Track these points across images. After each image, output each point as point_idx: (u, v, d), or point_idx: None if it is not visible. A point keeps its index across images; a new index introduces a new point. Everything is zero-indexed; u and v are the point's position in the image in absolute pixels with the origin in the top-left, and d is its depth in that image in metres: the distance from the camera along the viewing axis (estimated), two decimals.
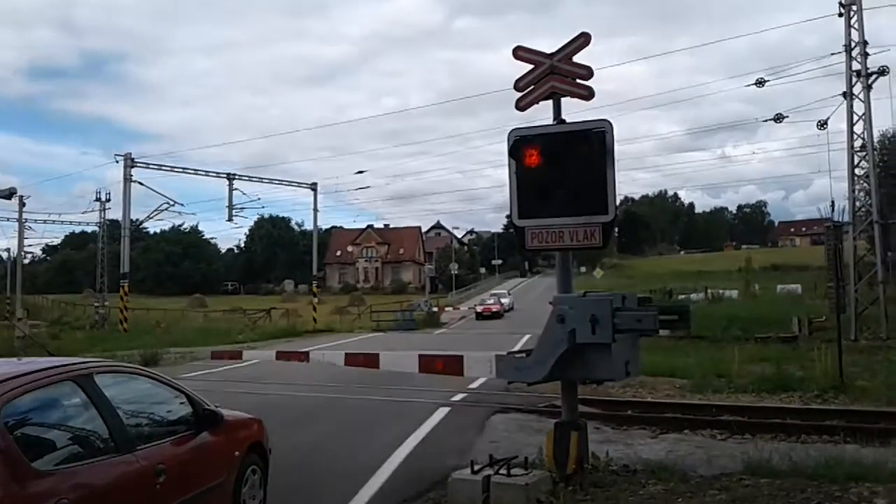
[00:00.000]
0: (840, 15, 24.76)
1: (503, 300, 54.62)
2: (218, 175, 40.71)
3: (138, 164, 37.63)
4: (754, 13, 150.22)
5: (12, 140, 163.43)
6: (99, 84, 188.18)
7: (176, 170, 40.22)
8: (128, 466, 4.34)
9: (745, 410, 10.93)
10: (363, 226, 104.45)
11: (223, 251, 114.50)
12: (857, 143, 25.11)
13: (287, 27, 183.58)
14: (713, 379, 14.12)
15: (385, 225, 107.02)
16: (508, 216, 8.24)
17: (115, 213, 49.63)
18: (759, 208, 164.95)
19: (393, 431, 9.86)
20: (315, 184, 44.72)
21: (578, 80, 7.30)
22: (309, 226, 62.68)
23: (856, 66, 24.65)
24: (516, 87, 7.55)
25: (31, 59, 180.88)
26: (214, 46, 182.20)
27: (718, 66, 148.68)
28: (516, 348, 12.02)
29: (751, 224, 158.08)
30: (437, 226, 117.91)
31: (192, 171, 41.22)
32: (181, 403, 5.38)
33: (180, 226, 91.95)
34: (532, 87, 7.46)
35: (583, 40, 7.29)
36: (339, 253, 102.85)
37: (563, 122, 7.35)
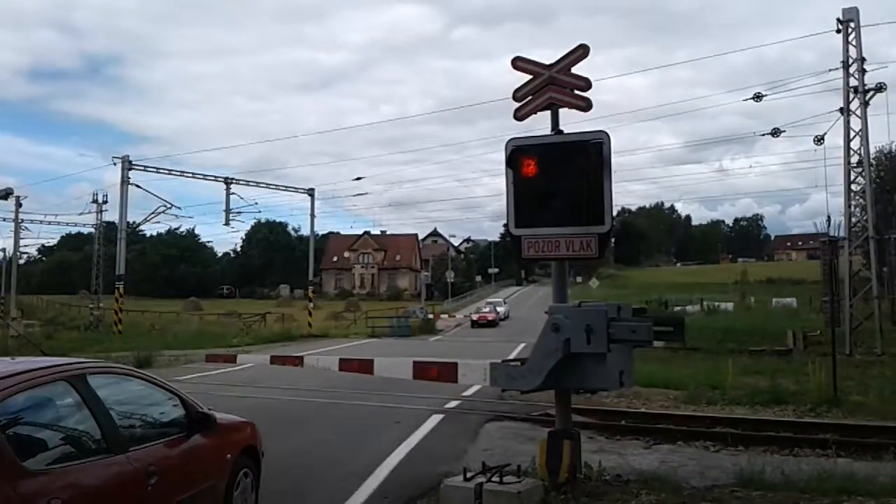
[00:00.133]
0: (838, 31, 24.89)
1: (499, 309, 54.60)
2: (215, 179, 40.66)
3: (136, 167, 37.54)
4: (753, 28, 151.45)
5: (9, 140, 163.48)
6: (98, 86, 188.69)
7: (173, 173, 40.16)
8: (120, 467, 4.33)
9: (739, 423, 10.93)
10: (360, 232, 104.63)
11: (219, 255, 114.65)
12: (854, 159, 25.21)
13: (286, 33, 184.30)
14: (707, 391, 14.12)
15: (382, 231, 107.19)
16: (505, 225, 8.27)
17: (111, 215, 49.61)
18: (755, 222, 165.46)
19: (386, 437, 9.85)
20: (312, 189, 44.71)
21: (576, 91, 7.33)
22: (306, 231, 62.64)
23: (853, 82, 24.77)
24: (514, 98, 7.57)
25: (31, 60, 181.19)
26: (214, 51, 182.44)
27: (717, 79, 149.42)
28: (511, 357, 12.04)
29: (747, 237, 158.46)
30: (434, 233, 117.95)
31: (189, 175, 41.20)
32: (174, 406, 5.37)
33: (177, 229, 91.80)
34: (530, 97, 7.49)
35: (581, 52, 7.32)
36: (335, 259, 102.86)
37: (561, 132, 7.37)
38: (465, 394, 14.21)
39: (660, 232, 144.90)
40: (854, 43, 24.69)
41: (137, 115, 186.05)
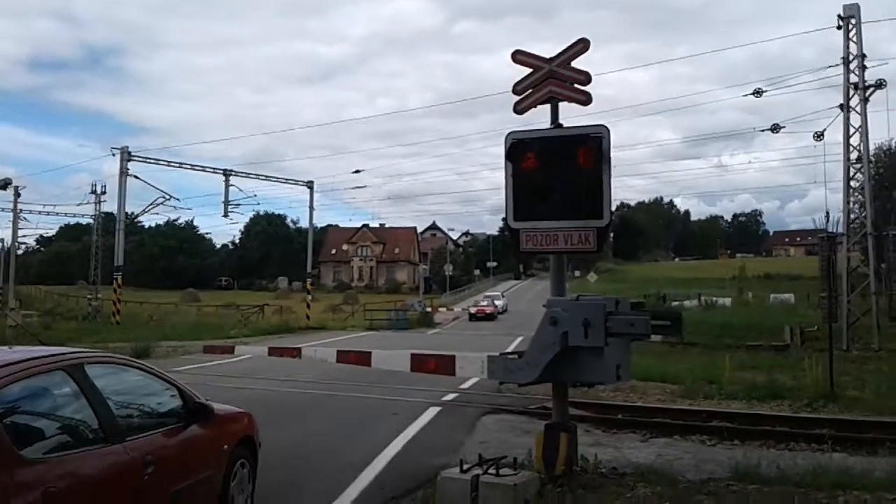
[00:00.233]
0: (839, 27, 24.90)
1: (497, 302, 54.64)
2: (214, 171, 40.59)
3: (135, 158, 37.48)
4: (754, 24, 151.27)
5: (9, 131, 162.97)
6: (98, 77, 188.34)
7: (172, 164, 40.18)
8: (116, 457, 4.33)
9: (735, 417, 10.94)
10: (359, 225, 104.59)
11: (218, 247, 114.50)
12: (853, 156, 25.25)
13: (287, 26, 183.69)
14: (704, 385, 14.14)
15: (381, 224, 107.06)
16: (504, 219, 8.27)
17: (110, 205, 49.69)
18: (754, 217, 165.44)
19: (383, 429, 9.87)
20: (311, 182, 44.68)
21: (576, 85, 7.34)
22: (304, 223, 62.49)
23: (853, 78, 24.79)
24: (515, 91, 7.58)
25: (31, 50, 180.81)
26: (214, 42, 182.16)
27: (717, 75, 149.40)
28: (509, 350, 12.06)
29: (745, 233, 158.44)
30: (433, 226, 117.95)
31: (188, 167, 41.19)
32: (172, 396, 5.37)
33: (175, 220, 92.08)
34: (530, 90, 7.49)
35: (581, 46, 7.33)
36: (334, 251, 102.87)
37: (561, 126, 7.38)
38: (463, 386, 14.23)
39: (658, 227, 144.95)
40: (855, 39, 24.70)
41: (137, 106, 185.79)
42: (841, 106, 25.13)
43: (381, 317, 45.05)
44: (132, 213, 46.14)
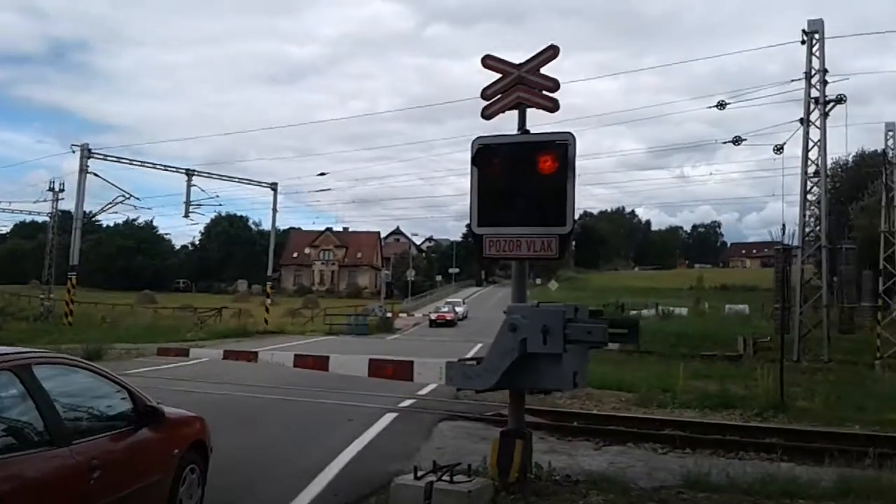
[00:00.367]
0: (803, 42, 25.40)
1: (457, 308, 54.76)
2: (177, 170, 39.95)
3: (95, 156, 36.71)
4: (720, 37, 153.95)
5: None
6: (61, 72, 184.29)
7: (134, 163, 39.42)
8: (62, 460, 4.25)
9: (687, 426, 11.11)
10: (322, 228, 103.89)
11: (177, 248, 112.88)
12: (811, 169, 25.80)
13: (255, 25, 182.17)
14: (658, 393, 14.34)
15: (344, 228, 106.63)
16: (468, 225, 8.30)
17: (68, 203, 48.56)
18: (713, 229, 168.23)
19: (338, 435, 9.81)
20: (275, 184, 44.24)
21: (545, 92, 7.39)
22: (267, 225, 61.94)
23: (814, 93, 25.33)
24: (483, 96, 7.60)
25: None
26: (180, 40, 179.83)
27: (683, 86, 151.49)
28: (468, 356, 12.08)
29: (704, 244, 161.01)
30: (397, 231, 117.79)
31: (149, 165, 40.47)
32: (122, 399, 5.28)
33: (135, 220, 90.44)
34: (499, 96, 7.52)
35: (551, 53, 7.39)
36: (295, 254, 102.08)
37: (528, 132, 7.42)
38: (421, 392, 14.22)
39: (620, 236, 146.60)
40: (818, 54, 25.25)
41: (100, 102, 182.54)
42: (801, 120, 25.66)
43: (341, 321, 44.80)
44: (90, 211, 45.14)
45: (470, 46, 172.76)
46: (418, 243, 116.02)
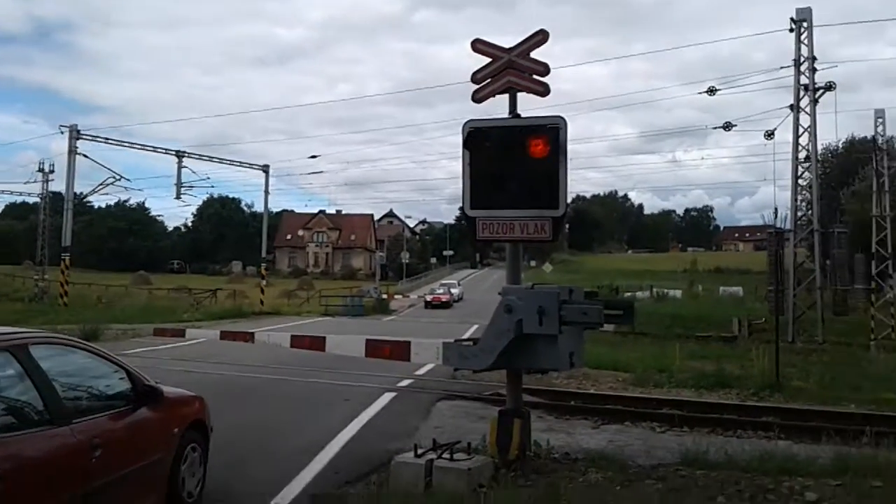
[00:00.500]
0: (791, 30, 25.44)
1: (453, 290, 54.82)
2: (167, 152, 39.73)
3: (84, 137, 36.44)
4: (710, 24, 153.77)
5: None
6: (46, 52, 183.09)
7: (124, 144, 39.20)
8: (62, 439, 4.24)
9: (685, 405, 11.17)
10: (315, 210, 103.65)
11: (170, 229, 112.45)
12: (802, 155, 25.85)
13: (243, 7, 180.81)
14: (655, 374, 14.40)
15: (337, 211, 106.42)
16: (461, 208, 8.28)
17: (58, 185, 48.29)
18: (705, 213, 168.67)
19: (337, 414, 9.82)
20: (267, 166, 44.01)
21: (535, 76, 7.34)
22: (259, 208, 61.87)
23: (804, 80, 25.37)
24: (473, 80, 7.55)
25: None
26: (167, 20, 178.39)
27: (673, 72, 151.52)
28: (464, 337, 12.09)
29: (697, 227, 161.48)
30: (390, 214, 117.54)
31: (139, 147, 40.19)
32: (120, 378, 5.27)
33: (126, 201, 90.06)
34: (489, 80, 7.48)
35: (541, 37, 7.33)
36: (289, 237, 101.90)
37: (519, 116, 7.39)
38: (418, 373, 14.25)
39: (613, 220, 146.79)
40: (806, 42, 25.27)
41: (87, 83, 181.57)
42: (791, 106, 25.72)
43: (337, 303, 44.80)
44: (81, 192, 45.00)
45: (458, 31, 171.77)
46: (412, 226, 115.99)
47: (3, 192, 53.31)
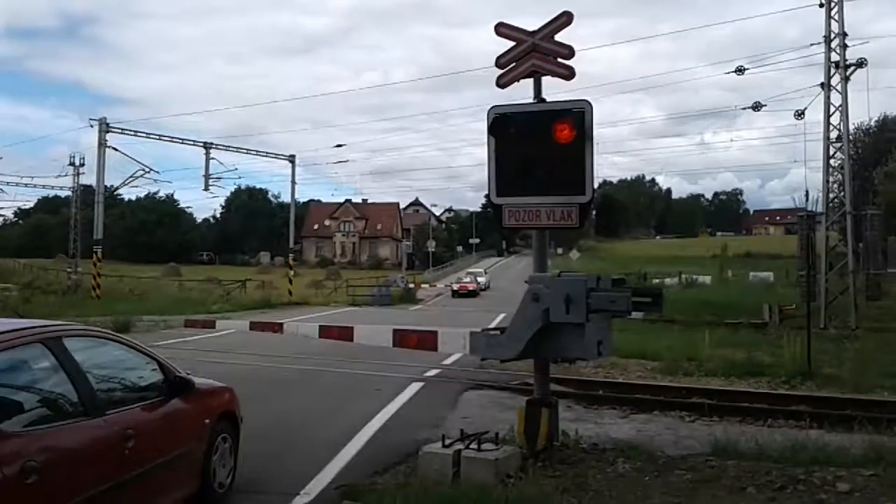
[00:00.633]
0: (821, 6, 24.89)
1: (479, 279, 54.75)
2: (195, 143, 40.10)
3: (113, 130, 36.93)
4: (738, 2, 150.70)
5: None
6: (75, 46, 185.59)
7: (152, 137, 39.53)
8: (97, 430, 4.31)
9: (714, 394, 11.06)
10: (341, 200, 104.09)
11: (199, 221, 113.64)
12: (834, 135, 25.33)
13: None
14: (684, 362, 14.25)
15: (363, 200, 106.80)
16: (487, 195, 8.25)
17: (89, 178, 48.84)
18: (734, 196, 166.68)
19: (365, 404, 9.89)
20: (293, 156, 44.30)
21: (560, 60, 7.27)
22: (286, 198, 62.34)
23: (835, 57, 24.80)
24: (497, 64, 7.50)
25: (6, 19, 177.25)
26: (194, 13, 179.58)
27: (700, 52, 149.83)
28: (491, 326, 12.08)
29: (726, 211, 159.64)
30: (416, 202, 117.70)
31: (168, 139, 40.63)
32: (152, 370, 5.34)
33: (155, 193, 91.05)
34: (513, 64, 7.42)
35: (565, 19, 7.26)
36: (316, 226, 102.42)
37: (544, 100, 7.33)
38: (445, 362, 14.27)
39: (640, 205, 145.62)
40: (836, 18, 24.70)
41: (115, 76, 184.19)
42: (822, 85, 25.17)
43: (364, 293, 45.01)
44: (111, 185, 45.50)
45: (483, 14, 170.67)
46: (438, 214, 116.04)
47: (35, 186, 53.96)
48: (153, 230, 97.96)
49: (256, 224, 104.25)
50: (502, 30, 7.49)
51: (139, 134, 38.48)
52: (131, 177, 41.09)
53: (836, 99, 24.98)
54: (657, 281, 44.88)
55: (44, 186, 54.69)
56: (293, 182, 44.80)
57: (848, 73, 24.74)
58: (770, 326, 22.89)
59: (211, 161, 39.14)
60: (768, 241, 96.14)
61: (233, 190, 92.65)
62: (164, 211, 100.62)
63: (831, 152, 25.51)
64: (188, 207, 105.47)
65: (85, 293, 38.55)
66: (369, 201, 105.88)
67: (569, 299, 6.35)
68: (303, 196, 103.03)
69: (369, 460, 7.13)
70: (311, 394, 11.07)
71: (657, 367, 14.04)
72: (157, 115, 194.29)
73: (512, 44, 7.40)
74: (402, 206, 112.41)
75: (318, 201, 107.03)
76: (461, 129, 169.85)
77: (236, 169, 41.53)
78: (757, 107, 29.72)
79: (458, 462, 6.20)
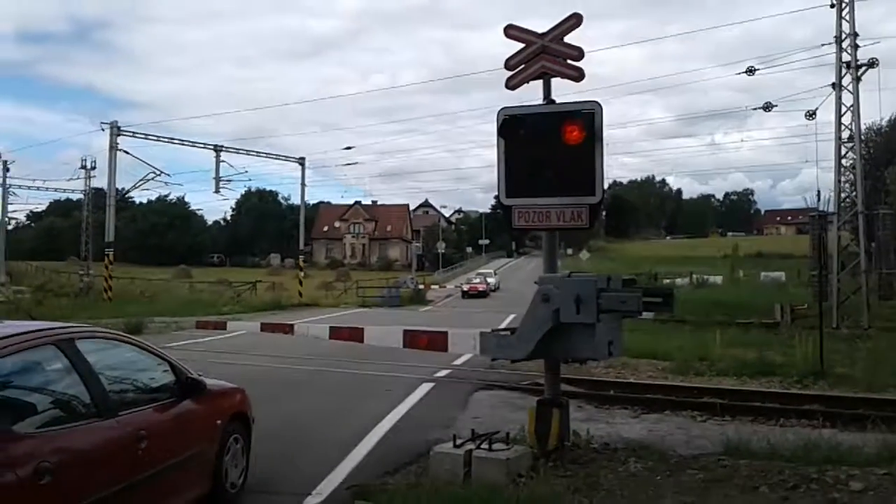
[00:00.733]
0: (832, 6, 24.78)
1: (489, 280, 54.76)
2: (205, 146, 40.22)
3: (125, 133, 37.12)
4: (747, 2, 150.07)
5: None
6: (85, 51, 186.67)
7: (162, 140, 39.71)
8: (109, 431, 4.33)
9: (726, 393, 11.01)
10: (351, 202, 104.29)
11: (209, 223, 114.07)
12: (845, 135, 25.20)
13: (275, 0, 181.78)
14: (695, 362, 14.20)
15: (373, 202, 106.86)
16: (496, 196, 8.25)
17: (100, 181, 49.13)
18: (745, 196, 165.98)
19: (376, 405, 9.90)
20: (303, 158, 44.41)
21: (569, 61, 7.27)
22: (296, 200, 62.58)
23: (846, 57, 24.67)
24: (507, 66, 7.50)
25: (18, 23, 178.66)
26: (203, 16, 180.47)
27: (710, 53, 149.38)
28: (501, 327, 12.06)
29: (737, 212, 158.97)
30: (425, 204, 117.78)
31: (178, 142, 40.76)
32: (164, 371, 5.37)
33: (166, 196, 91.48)
34: (522, 66, 7.42)
35: (574, 20, 7.26)
36: (326, 228, 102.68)
37: (553, 102, 7.33)
38: (456, 363, 14.26)
39: (650, 205, 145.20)
40: (848, 18, 24.57)
41: (126, 80, 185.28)
42: (833, 85, 25.04)
43: (374, 294, 45.09)
44: (122, 188, 45.75)
45: (491, 16, 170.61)
46: (447, 215, 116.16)
47: (47, 189, 54.42)
48: (164, 233, 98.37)
49: (267, 226, 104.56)
50: (512, 32, 7.49)
51: (150, 137, 38.68)
52: (142, 180, 41.27)
53: (847, 99, 24.86)
54: (668, 281, 44.77)
55: (56, 190, 55.23)
56: (303, 184, 44.98)
57: (859, 74, 24.59)
58: (782, 326, 22.77)
59: (221, 164, 39.29)
60: (780, 242, 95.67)
61: (243, 192, 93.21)
62: (174, 213, 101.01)
63: (843, 152, 25.36)
64: (199, 210, 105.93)
65: (97, 295, 38.77)
66: (379, 203, 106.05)
67: (579, 300, 6.34)
68: (312, 198, 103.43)
69: (380, 460, 7.14)
70: (321, 394, 11.10)
71: (668, 367, 14.00)
72: (167, 118, 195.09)
73: (521, 46, 7.40)
74: (411, 207, 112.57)
75: (328, 203, 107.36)
76: (470, 131, 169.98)
77: (246, 171, 41.67)
78: (768, 107, 29.59)
79: (469, 462, 6.20)
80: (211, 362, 12.97)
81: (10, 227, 65.86)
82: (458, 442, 6.46)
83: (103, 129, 37.11)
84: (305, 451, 7.51)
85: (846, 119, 25.03)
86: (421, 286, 50.89)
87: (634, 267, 54.46)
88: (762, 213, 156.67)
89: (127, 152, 37.39)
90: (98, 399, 4.35)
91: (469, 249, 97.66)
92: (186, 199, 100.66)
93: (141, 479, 4.47)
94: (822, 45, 25.49)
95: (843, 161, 25.46)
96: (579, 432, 7.53)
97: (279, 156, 45.22)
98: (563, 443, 6.92)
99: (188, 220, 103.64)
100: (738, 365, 13.67)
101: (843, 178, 25.98)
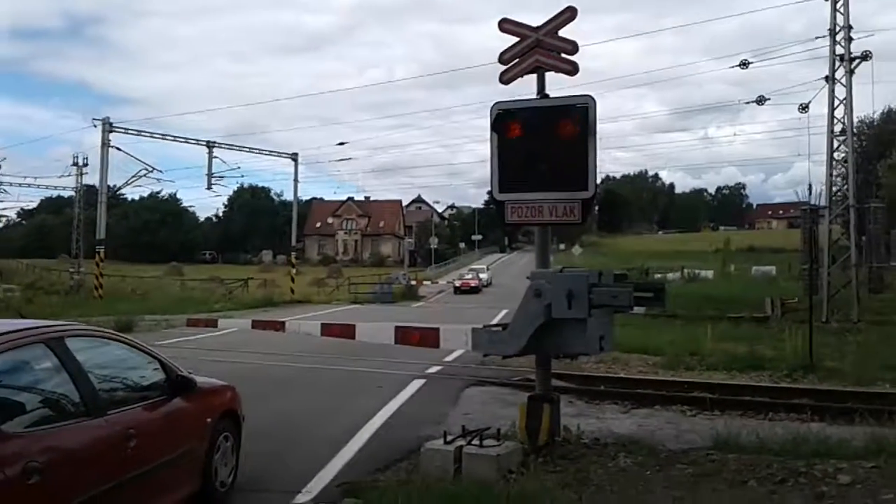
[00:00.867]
0: None
1: (481, 275, 54.77)
2: (197, 142, 40.15)
3: (117, 129, 36.97)
4: None
5: None
6: (78, 46, 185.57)
7: (155, 136, 39.59)
8: (98, 430, 4.32)
9: (716, 388, 11.07)
10: (344, 198, 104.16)
11: (201, 219, 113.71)
12: (837, 128, 25.25)
13: None
14: (685, 356, 14.26)
15: (366, 197, 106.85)
16: (489, 192, 8.27)
17: (92, 178, 48.93)
18: (737, 190, 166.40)
19: (367, 402, 9.90)
20: (296, 154, 44.38)
21: (563, 55, 7.27)
22: (289, 196, 62.34)
23: (839, 50, 24.70)
24: (501, 60, 7.51)
25: (11, 19, 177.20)
26: (197, 11, 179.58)
27: (704, 47, 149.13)
28: (493, 322, 12.08)
29: (729, 206, 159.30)
30: (418, 199, 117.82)
31: (171, 138, 40.63)
32: (154, 369, 5.36)
33: (158, 193, 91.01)
34: (517, 60, 7.42)
35: (569, 14, 7.25)
36: (318, 224, 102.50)
37: (547, 96, 7.34)
38: (447, 359, 14.28)
39: (643, 200, 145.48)
40: (842, 10, 24.60)
41: (119, 76, 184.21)
42: (826, 78, 25.09)
43: (366, 290, 45.03)
44: (114, 185, 45.54)
45: (485, 11, 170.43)
46: (440, 211, 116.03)
47: (38, 186, 54.14)
48: (156, 230, 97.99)
49: (259, 223, 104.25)
50: (506, 26, 7.49)
51: (142, 133, 38.55)
52: (134, 176, 41.13)
53: (840, 92, 24.89)
54: (659, 276, 44.87)
55: (47, 187, 54.84)
56: (296, 180, 44.90)
57: (853, 67, 24.61)
58: (772, 320, 22.88)
59: (214, 160, 39.24)
60: (771, 236, 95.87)
61: (235, 189, 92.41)
62: (166, 210, 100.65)
63: (835, 146, 25.42)
64: (191, 206, 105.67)
65: (87, 293, 38.62)
66: (372, 199, 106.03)
67: (571, 295, 6.36)
68: (305, 194, 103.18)
69: (371, 457, 7.15)
70: (313, 391, 11.09)
71: (659, 362, 14.06)
72: (160, 114, 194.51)
73: (515, 40, 7.40)
74: (404, 203, 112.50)
75: (321, 199, 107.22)
76: (463, 126, 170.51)
77: (239, 167, 41.68)
78: (761, 101, 29.62)
79: (459, 458, 6.21)
80: (201, 360, 12.95)
81: (0, 225, 65.47)
82: (449, 438, 6.48)
83: (95, 126, 37.02)
84: (296, 448, 7.51)
85: (839, 112, 25.07)
86: (413, 282, 50.82)
87: (626, 262, 54.57)
88: (754, 207, 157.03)
89: (119, 149, 37.28)
90: (87, 398, 4.35)
91: (462, 245, 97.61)
92: (178, 196, 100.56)
93: (130, 478, 4.47)
94: (816, 37, 25.51)
95: (835, 154, 25.51)
96: (570, 428, 7.56)
97: (272, 151, 45.17)
98: (553, 438, 6.96)
99: (180, 217, 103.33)
100: (729, 359, 13.74)
101: (834, 172, 26.04)
